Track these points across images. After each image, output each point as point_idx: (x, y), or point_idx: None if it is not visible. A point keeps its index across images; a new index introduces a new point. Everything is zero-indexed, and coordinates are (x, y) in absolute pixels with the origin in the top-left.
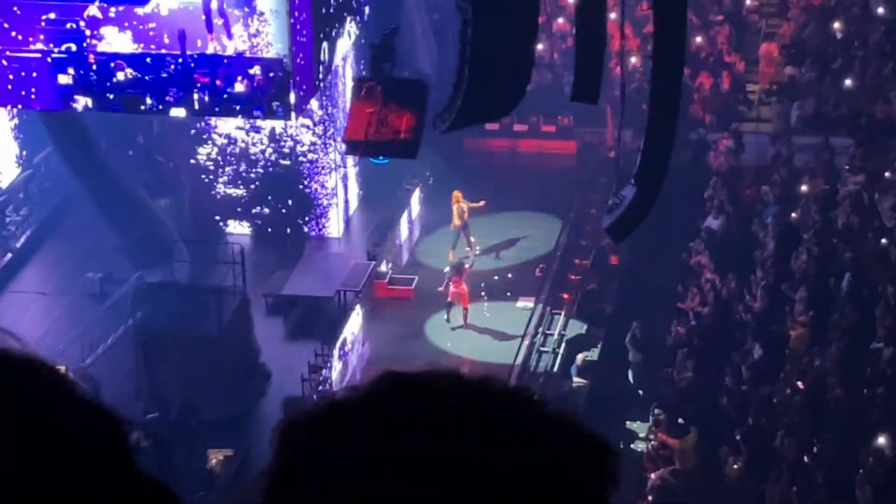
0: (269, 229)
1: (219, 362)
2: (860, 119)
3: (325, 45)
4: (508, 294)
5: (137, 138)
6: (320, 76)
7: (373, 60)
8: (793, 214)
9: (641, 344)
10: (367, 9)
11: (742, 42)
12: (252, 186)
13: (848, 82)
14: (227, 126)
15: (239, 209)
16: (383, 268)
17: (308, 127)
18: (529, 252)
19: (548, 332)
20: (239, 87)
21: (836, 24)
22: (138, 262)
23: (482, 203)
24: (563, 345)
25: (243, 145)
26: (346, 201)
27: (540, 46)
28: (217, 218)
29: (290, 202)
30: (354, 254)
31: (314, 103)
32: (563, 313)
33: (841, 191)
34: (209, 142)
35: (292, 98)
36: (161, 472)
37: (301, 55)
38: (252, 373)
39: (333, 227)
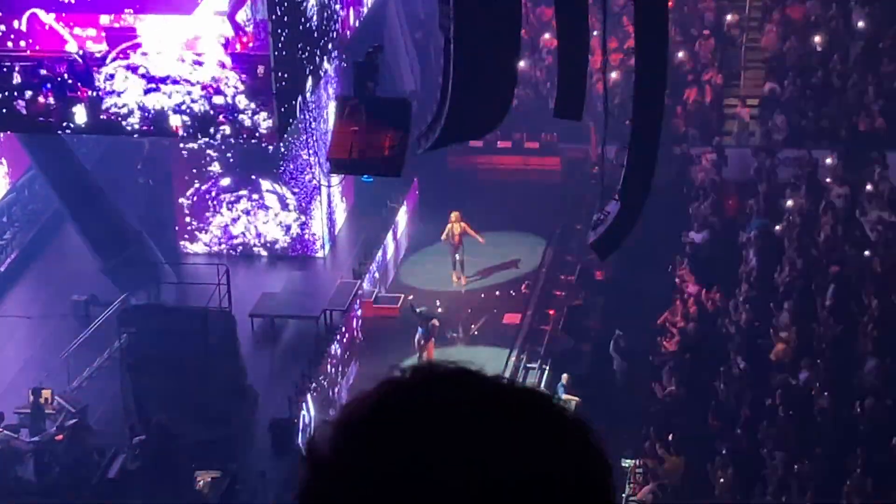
0: (254, 248)
1: (205, 384)
2: (841, 131)
3: (307, 64)
4: (495, 311)
5: (136, 162)
6: (304, 95)
7: (356, 79)
8: (776, 227)
9: (625, 352)
10: (347, 30)
11: (723, 56)
12: (234, 205)
13: (829, 95)
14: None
15: (222, 228)
16: (367, 286)
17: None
18: (516, 270)
19: (534, 347)
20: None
21: (817, 38)
22: (123, 284)
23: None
24: (550, 361)
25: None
26: (332, 220)
27: (522, 63)
28: (200, 237)
29: (274, 220)
30: (340, 273)
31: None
32: (548, 329)
33: (824, 203)
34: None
35: (273, 119)
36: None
37: (284, 73)
38: (239, 394)
39: (318, 246)
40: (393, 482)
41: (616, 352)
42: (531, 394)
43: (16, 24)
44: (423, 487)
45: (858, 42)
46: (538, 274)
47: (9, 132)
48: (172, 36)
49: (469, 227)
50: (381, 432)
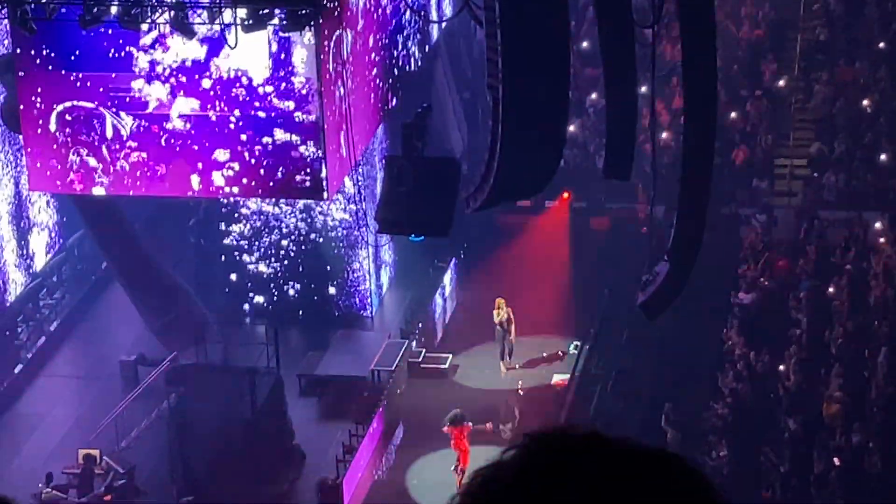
0: (301, 309)
1: (253, 444)
2: (890, 193)
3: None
4: (544, 372)
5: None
6: (355, 154)
7: (405, 138)
8: (829, 289)
9: (677, 424)
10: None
11: (773, 117)
12: (284, 263)
13: (882, 157)
14: (256, 202)
15: (271, 287)
16: (415, 346)
17: (339, 203)
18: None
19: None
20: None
21: (865, 101)
22: (171, 343)
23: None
24: (599, 421)
25: (275, 223)
26: (379, 279)
27: (571, 128)
28: (250, 296)
29: (322, 281)
30: (388, 332)
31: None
32: (597, 390)
33: (875, 265)
34: (240, 219)
35: (324, 175)
36: None
37: (336, 129)
38: (287, 454)
39: (367, 305)
40: None
41: (668, 425)
42: (659, 454)
43: None
44: None
45: None
46: (587, 335)
47: (59, 192)
48: None
49: (512, 315)
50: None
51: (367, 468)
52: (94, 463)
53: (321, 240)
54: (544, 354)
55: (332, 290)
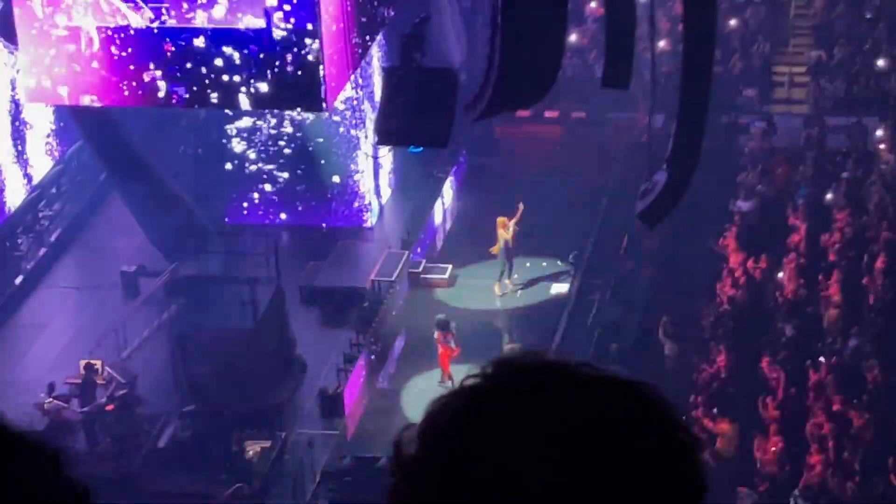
0: (302, 218)
1: (254, 354)
2: (890, 100)
3: (356, 31)
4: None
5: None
6: (353, 66)
7: (403, 50)
8: (826, 196)
9: (675, 335)
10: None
11: (772, 24)
12: (283, 176)
13: (879, 62)
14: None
15: (274, 198)
16: (415, 256)
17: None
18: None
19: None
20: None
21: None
22: (172, 254)
23: (521, 208)
24: (598, 330)
25: (273, 133)
26: (378, 190)
27: (571, 37)
28: (246, 205)
29: (322, 192)
30: (388, 243)
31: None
32: (596, 299)
33: (874, 171)
34: (233, 130)
35: (323, 89)
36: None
37: (332, 42)
38: (288, 364)
39: (367, 216)
40: (480, 484)
41: (665, 336)
42: (613, 378)
43: None
44: (510, 488)
45: None
46: (585, 244)
47: (56, 105)
48: None
49: (516, 222)
50: (467, 434)
51: (367, 378)
52: (95, 373)
53: (318, 151)
54: (545, 269)
55: (332, 200)
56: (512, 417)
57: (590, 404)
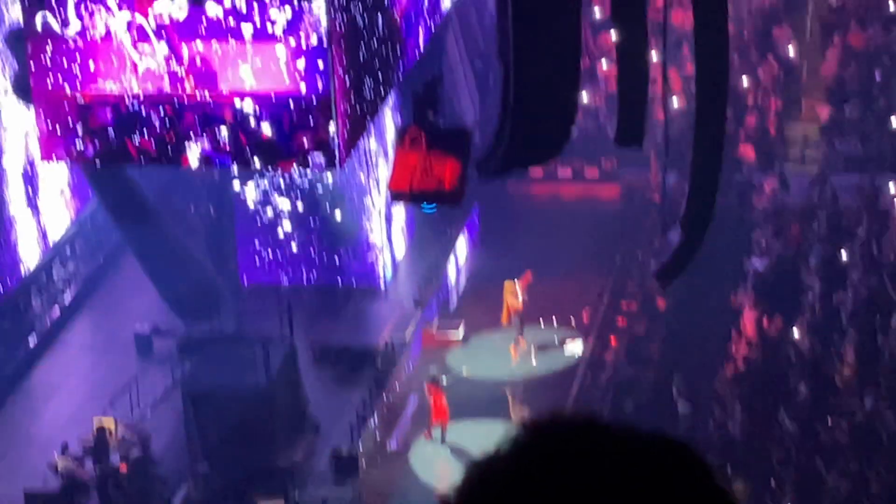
0: (315, 277)
1: (267, 414)
2: None
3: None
4: (555, 339)
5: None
6: (367, 120)
7: (416, 108)
8: (841, 255)
9: (688, 395)
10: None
11: (784, 83)
12: (296, 234)
13: (893, 120)
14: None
15: (286, 256)
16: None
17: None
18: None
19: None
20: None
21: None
22: (185, 314)
23: (528, 276)
24: (613, 389)
25: (285, 189)
26: (392, 247)
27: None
28: (259, 266)
29: (335, 249)
30: (401, 301)
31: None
32: (610, 357)
33: (888, 230)
34: (246, 187)
35: (337, 145)
36: None
37: (343, 96)
38: (301, 423)
39: (380, 274)
40: None
41: (680, 396)
42: (653, 438)
43: None
44: None
45: None
46: (599, 302)
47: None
48: None
49: (524, 286)
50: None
51: (379, 438)
52: (108, 433)
53: (333, 209)
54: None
55: (345, 259)
56: (555, 486)
57: (631, 469)
